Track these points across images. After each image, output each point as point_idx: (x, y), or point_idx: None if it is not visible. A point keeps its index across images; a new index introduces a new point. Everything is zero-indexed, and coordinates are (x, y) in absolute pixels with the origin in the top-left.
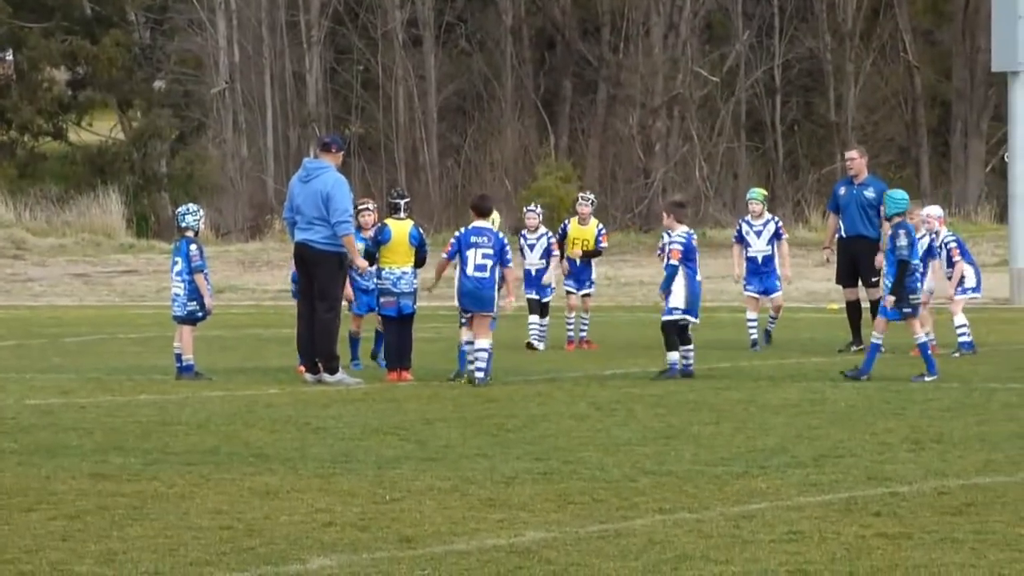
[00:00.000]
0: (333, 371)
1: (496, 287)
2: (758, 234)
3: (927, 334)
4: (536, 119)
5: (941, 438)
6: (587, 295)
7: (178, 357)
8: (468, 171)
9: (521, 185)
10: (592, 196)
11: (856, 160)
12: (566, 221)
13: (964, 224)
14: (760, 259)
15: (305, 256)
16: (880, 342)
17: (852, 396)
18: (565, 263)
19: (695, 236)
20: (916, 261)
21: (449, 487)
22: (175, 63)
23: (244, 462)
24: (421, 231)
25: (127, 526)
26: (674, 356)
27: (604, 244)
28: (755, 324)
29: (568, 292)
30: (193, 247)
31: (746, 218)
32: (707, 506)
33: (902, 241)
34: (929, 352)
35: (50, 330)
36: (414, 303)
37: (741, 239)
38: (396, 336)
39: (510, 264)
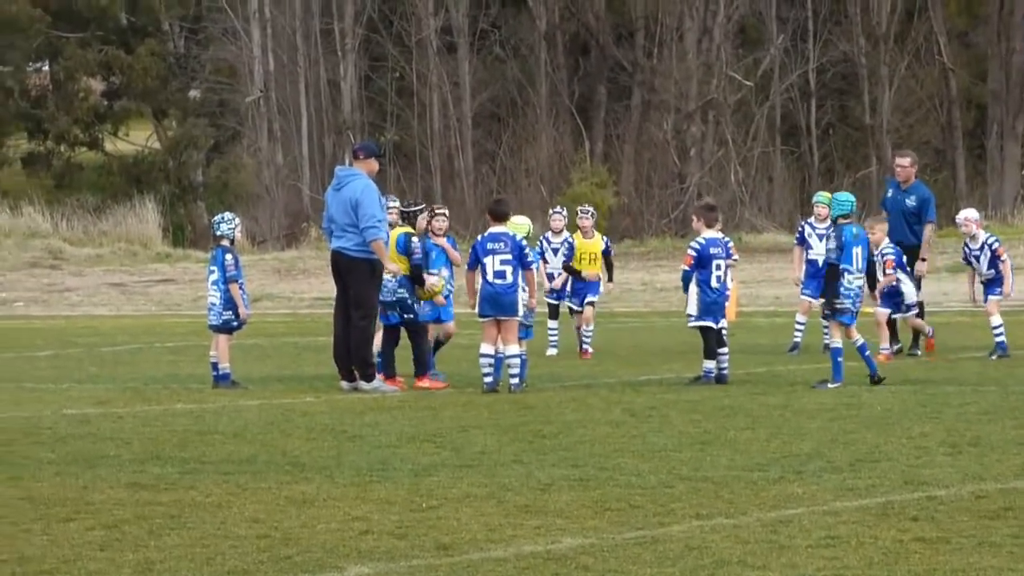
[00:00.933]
0: (369, 379)
1: (519, 292)
2: (821, 238)
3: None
4: (571, 125)
5: (978, 441)
6: (591, 303)
7: (214, 366)
8: (503, 177)
9: (556, 191)
10: (591, 209)
11: (906, 168)
12: (571, 237)
13: (1000, 227)
14: (821, 263)
15: (340, 264)
16: (864, 343)
17: (888, 400)
18: (562, 278)
19: (729, 242)
20: (846, 266)
21: (486, 494)
22: (210, 72)
23: (281, 471)
24: (409, 238)
25: (165, 535)
26: (710, 364)
27: (611, 252)
28: (803, 327)
29: (572, 311)
30: (228, 256)
31: (810, 220)
32: (744, 511)
33: (830, 244)
34: (840, 359)
35: (87, 340)
36: (402, 314)
37: (803, 241)
38: (390, 345)
39: (532, 266)
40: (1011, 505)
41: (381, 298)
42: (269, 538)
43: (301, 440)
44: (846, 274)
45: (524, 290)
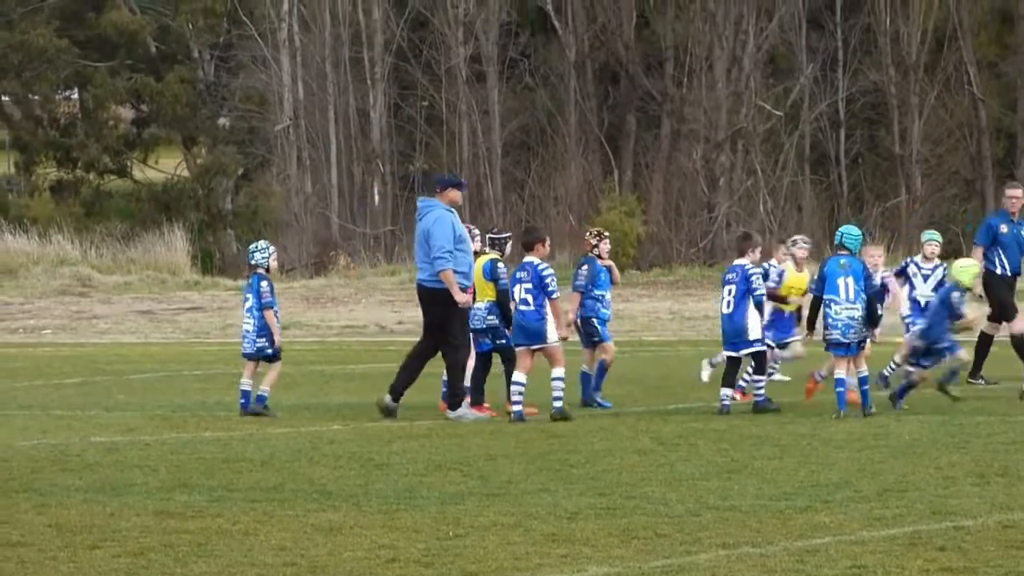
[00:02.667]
0: (454, 407)
1: (543, 320)
2: (925, 278)
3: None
4: (600, 154)
5: (1006, 471)
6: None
7: (245, 394)
8: (532, 206)
9: (585, 220)
10: (810, 240)
11: (1020, 199)
12: (781, 267)
13: None
14: (924, 303)
15: (421, 296)
16: (865, 375)
17: (916, 430)
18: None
19: (745, 270)
20: (830, 296)
21: (512, 523)
22: (239, 100)
23: (308, 499)
24: (495, 264)
25: (191, 563)
26: (724, 391)
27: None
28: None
29: (767, 346)
30: (264, 284)
31: (915, 259)
32: (771, 541)
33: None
34: (840, 389)
35: (115, 367)
36: (493, 340)
37: (902, 273)
38: (481, 372)
39: (554, 295)
40: None
41: (472, 326)
42: (296, 566)
43: (328, 468)
44: (832, 304)
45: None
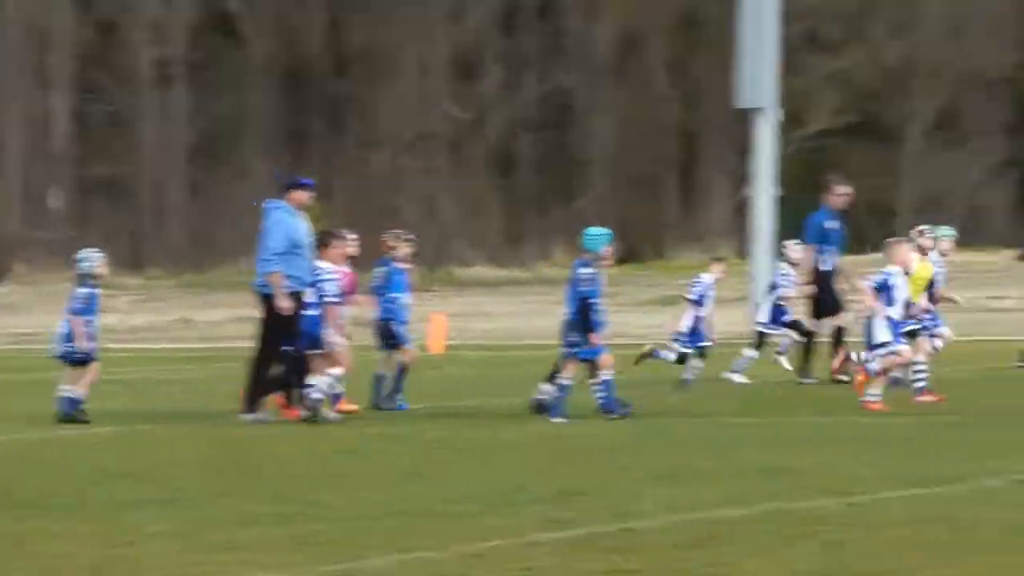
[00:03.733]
0: (248, 411)
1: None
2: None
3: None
4: (287, 158)
5: (679, 472)
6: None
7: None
8: (216, 211)
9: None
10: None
11: None
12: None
13: None
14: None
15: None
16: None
17: (596, 431)
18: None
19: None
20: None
21: (186, 530)
22: None
23: None
24: None
25: None
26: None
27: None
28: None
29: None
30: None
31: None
32: (444, 545)
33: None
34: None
35: None
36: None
37: None
38: None
39: (327, 299)
40: (710, 535)
41: None
42: None
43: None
44: None
45: None
